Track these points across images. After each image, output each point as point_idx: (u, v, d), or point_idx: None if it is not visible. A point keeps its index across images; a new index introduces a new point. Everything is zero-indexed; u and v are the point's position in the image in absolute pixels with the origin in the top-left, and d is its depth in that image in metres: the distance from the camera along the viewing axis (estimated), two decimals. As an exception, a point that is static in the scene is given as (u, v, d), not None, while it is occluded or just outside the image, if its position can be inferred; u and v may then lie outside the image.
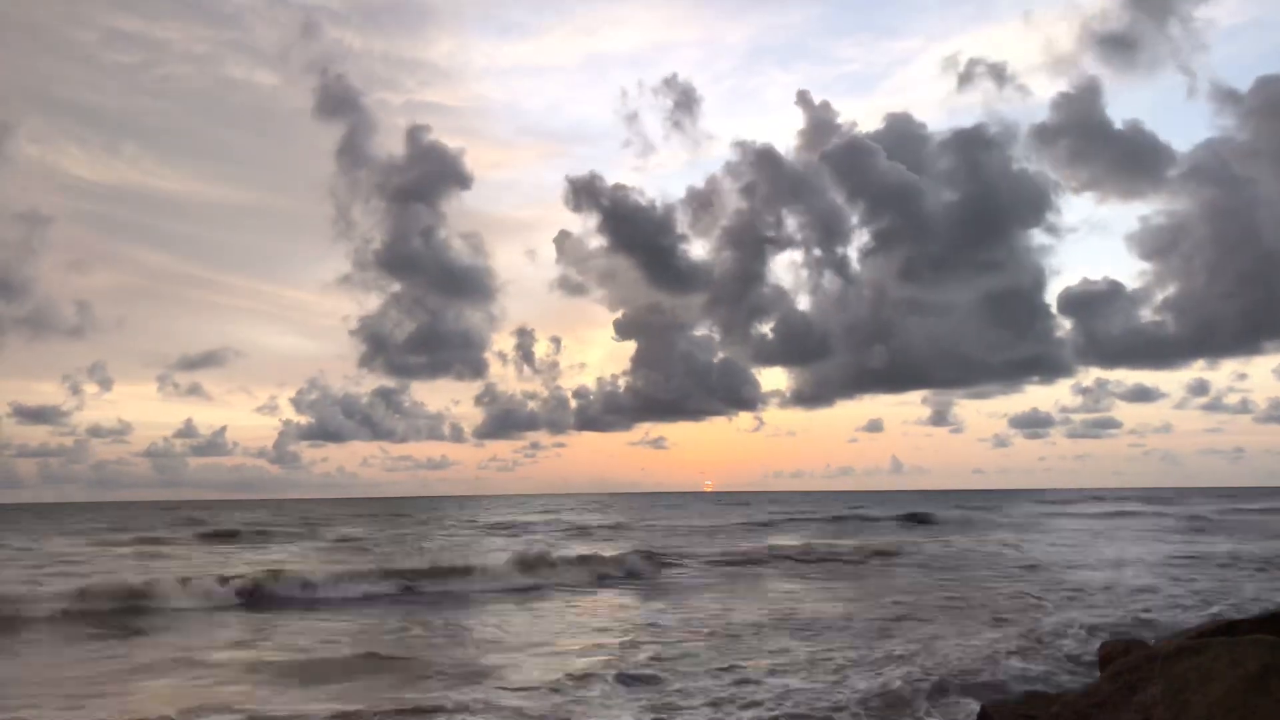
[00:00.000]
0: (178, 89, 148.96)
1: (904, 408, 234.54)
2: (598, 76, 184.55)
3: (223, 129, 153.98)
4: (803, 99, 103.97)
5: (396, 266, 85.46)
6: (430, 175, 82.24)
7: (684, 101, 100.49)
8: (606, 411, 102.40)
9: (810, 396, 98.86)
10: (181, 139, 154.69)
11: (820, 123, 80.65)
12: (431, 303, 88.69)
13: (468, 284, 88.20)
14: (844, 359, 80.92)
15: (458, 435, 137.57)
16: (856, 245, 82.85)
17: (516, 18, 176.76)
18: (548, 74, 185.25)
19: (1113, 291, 79.44)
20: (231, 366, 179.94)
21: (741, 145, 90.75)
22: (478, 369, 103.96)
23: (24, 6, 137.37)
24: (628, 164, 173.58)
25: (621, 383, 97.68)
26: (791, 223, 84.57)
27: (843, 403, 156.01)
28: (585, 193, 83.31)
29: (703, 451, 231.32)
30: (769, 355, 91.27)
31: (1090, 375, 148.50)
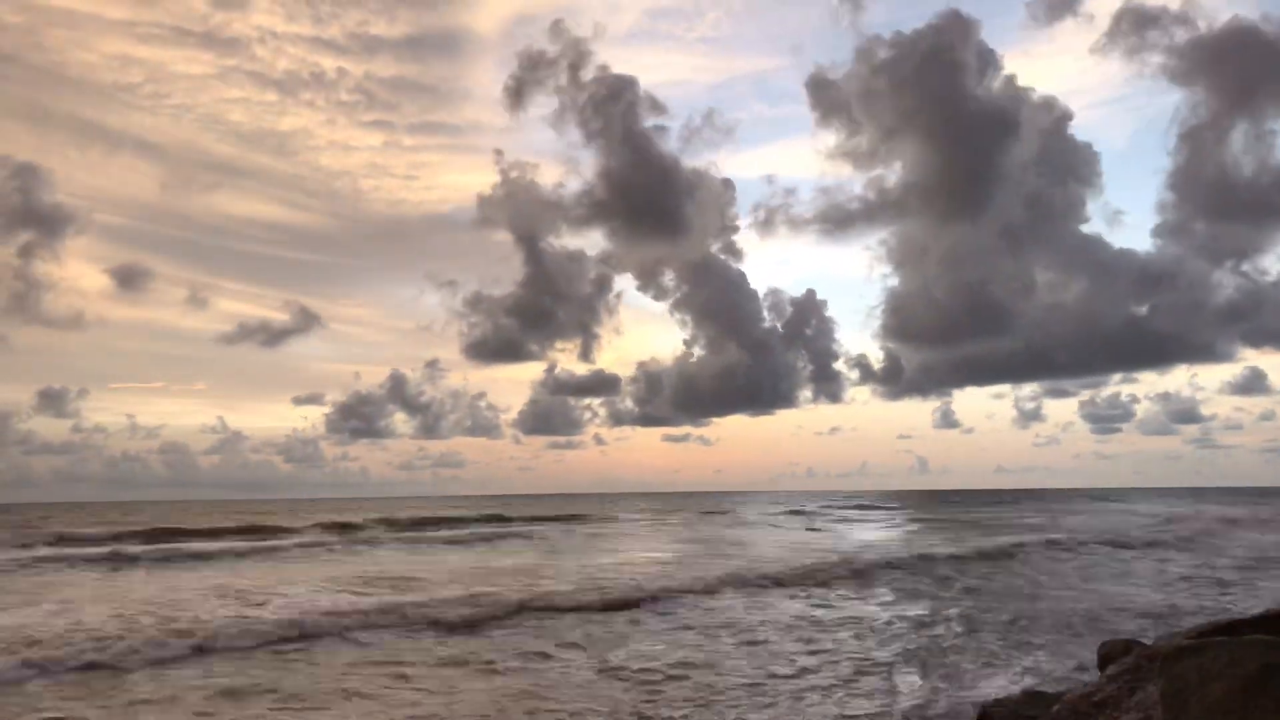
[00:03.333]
0: (180, 106, 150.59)
1: (992, 401, 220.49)
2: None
3: (229, 147, 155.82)
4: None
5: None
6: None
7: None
8: (665, 406, 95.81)
9: (908, 385, 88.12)
10: (189, 154, 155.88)
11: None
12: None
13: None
14: (984, 338, 72.42)
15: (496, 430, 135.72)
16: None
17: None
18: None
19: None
20: (251, 368, 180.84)
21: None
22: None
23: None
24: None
25: (691, 374, 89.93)
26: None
27: (955, 391, 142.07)
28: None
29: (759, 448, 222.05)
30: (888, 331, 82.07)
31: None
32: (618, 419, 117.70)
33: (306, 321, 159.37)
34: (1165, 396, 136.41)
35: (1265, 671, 5.73)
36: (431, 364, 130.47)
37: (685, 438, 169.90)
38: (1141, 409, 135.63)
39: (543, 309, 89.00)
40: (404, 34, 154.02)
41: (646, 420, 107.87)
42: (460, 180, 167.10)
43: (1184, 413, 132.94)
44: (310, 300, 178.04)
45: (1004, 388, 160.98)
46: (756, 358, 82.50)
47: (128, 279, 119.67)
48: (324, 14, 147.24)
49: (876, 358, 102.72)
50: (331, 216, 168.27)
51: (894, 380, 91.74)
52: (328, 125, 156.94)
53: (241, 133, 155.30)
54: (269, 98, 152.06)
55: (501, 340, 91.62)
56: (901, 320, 78.20)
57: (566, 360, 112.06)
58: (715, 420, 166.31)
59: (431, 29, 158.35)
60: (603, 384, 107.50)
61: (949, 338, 76.44)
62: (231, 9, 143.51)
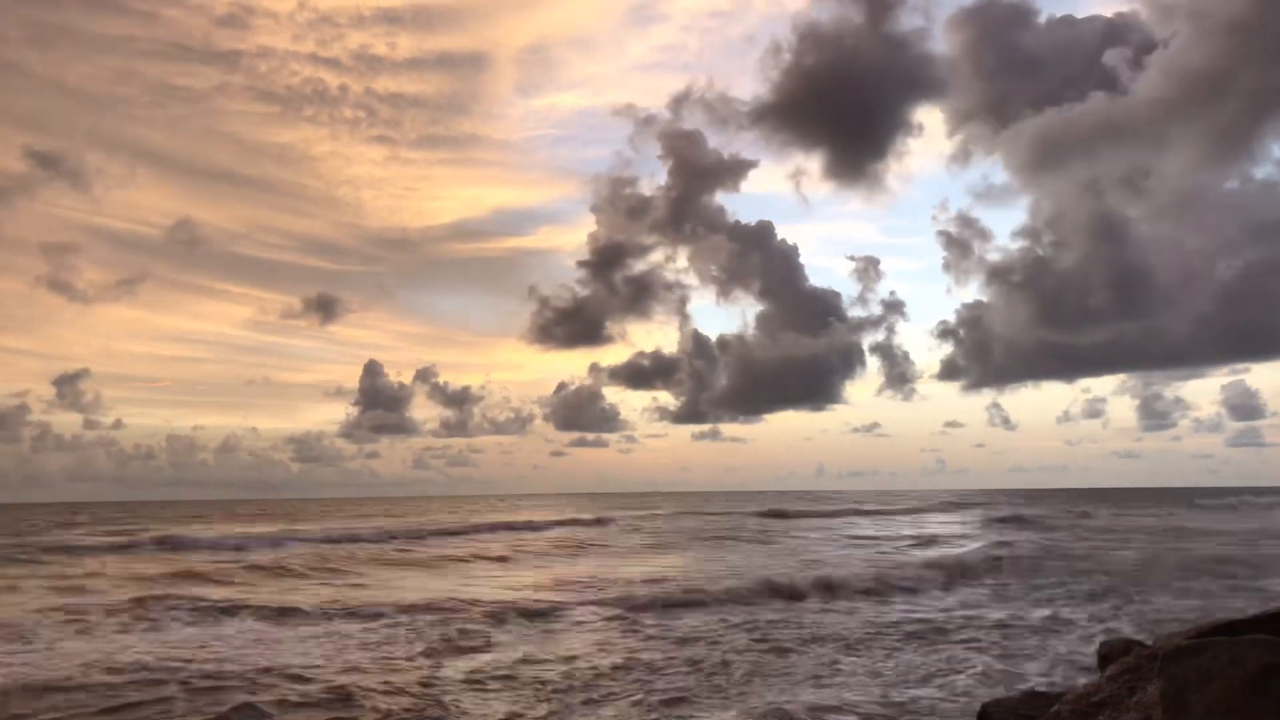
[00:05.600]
0: (178, 118, 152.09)
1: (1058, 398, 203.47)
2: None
3: (230, 156, 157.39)
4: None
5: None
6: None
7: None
8: (717, 401, 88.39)
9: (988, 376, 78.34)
10: (191, 164, 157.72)
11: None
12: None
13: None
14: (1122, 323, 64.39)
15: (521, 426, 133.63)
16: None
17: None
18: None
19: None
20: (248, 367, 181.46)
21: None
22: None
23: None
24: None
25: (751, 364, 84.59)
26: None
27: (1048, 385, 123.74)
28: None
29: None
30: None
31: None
32: (661, 414, 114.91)
33: (315, 324, 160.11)
34: (1238, 388, 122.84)
35: (1265, 671, 5.70)
36: (445, 367, 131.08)
37: (716, 435, 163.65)
38: (1207, 404, 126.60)
39: (609, 293, 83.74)
40: (405, 57, 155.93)
41: (691, 417, 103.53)
42: (462, 193, 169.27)
43: (1247, 409, 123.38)
44: (318, 302, 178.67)
45: (1092, 381, 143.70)
46: (821, 348, 76.93)
47: (133, 281, 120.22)
48: (328, 36, 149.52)
49: (963, 346, 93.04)
50: (335, 225, 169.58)
51: (978, 367, 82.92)
52: (330, 139, 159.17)
53: (243, 143, 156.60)
54: (271, 110, 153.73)
55: (566, 327, 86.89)
56: (1029, 300, 69.36)
57: (644, 344, 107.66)
58: (766, 417, 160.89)
59: (433, 50, 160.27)
60: (659, 371, 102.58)
61: (1081, 320, 67.55)
62: (236, 27, 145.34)
